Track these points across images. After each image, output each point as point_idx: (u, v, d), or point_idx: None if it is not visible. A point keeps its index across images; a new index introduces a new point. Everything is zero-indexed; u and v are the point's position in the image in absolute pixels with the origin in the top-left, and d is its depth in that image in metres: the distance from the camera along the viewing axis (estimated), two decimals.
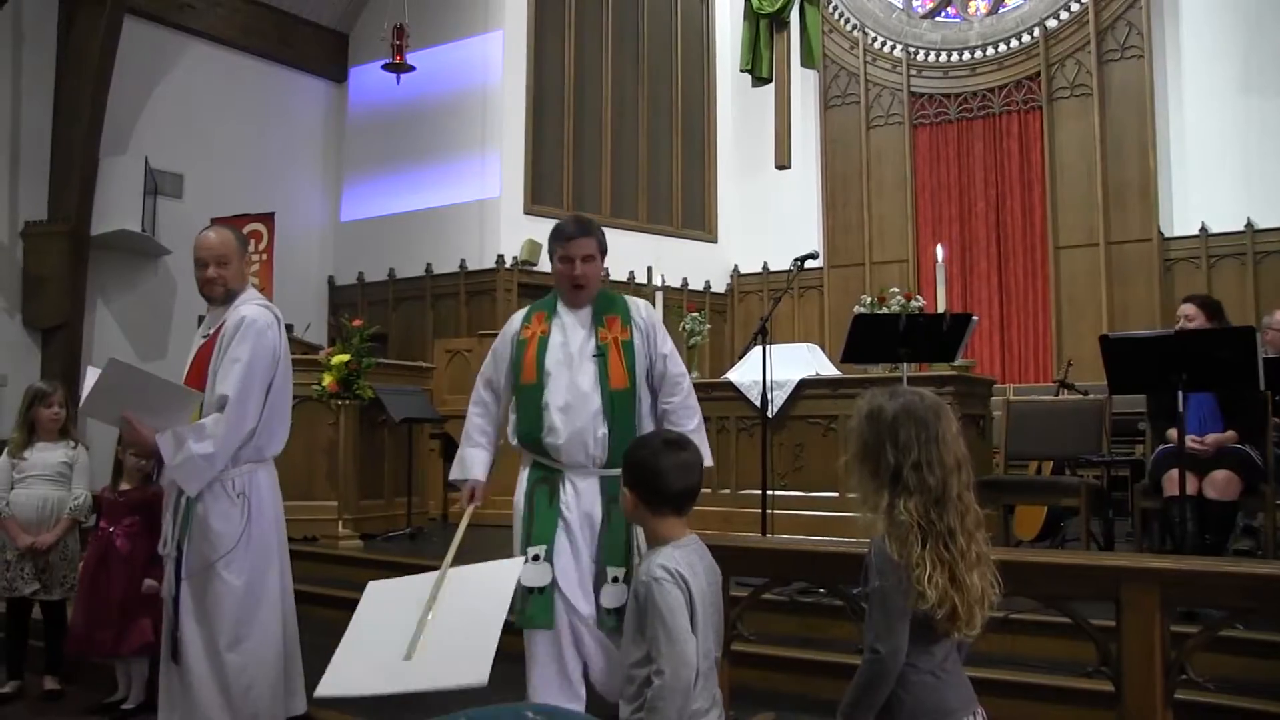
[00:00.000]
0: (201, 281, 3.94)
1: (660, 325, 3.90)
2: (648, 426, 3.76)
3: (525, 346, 3.84)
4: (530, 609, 3.57)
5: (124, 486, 5.01)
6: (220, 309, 3.95)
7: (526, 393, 3.79)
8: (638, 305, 3.92)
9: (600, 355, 3.73)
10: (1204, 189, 11.68)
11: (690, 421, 3.78)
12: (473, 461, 3.93)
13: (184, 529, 3.72)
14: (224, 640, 3.68)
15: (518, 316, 3.99)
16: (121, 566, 4.87)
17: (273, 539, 3.88)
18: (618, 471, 3.17)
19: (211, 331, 3.91)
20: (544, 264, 12.41)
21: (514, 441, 3.86)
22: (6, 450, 5.28)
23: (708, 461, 3.38)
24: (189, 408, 3.72)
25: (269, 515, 3.86)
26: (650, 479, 2.67)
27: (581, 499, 3.67)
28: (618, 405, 3.68)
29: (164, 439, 3.60)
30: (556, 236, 3.83)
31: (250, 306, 3.87)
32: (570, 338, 3.79)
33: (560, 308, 3.87)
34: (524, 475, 3.82)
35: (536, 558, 3.60)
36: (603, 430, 3.65)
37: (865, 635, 2.39)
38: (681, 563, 2.58)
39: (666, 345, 3.87)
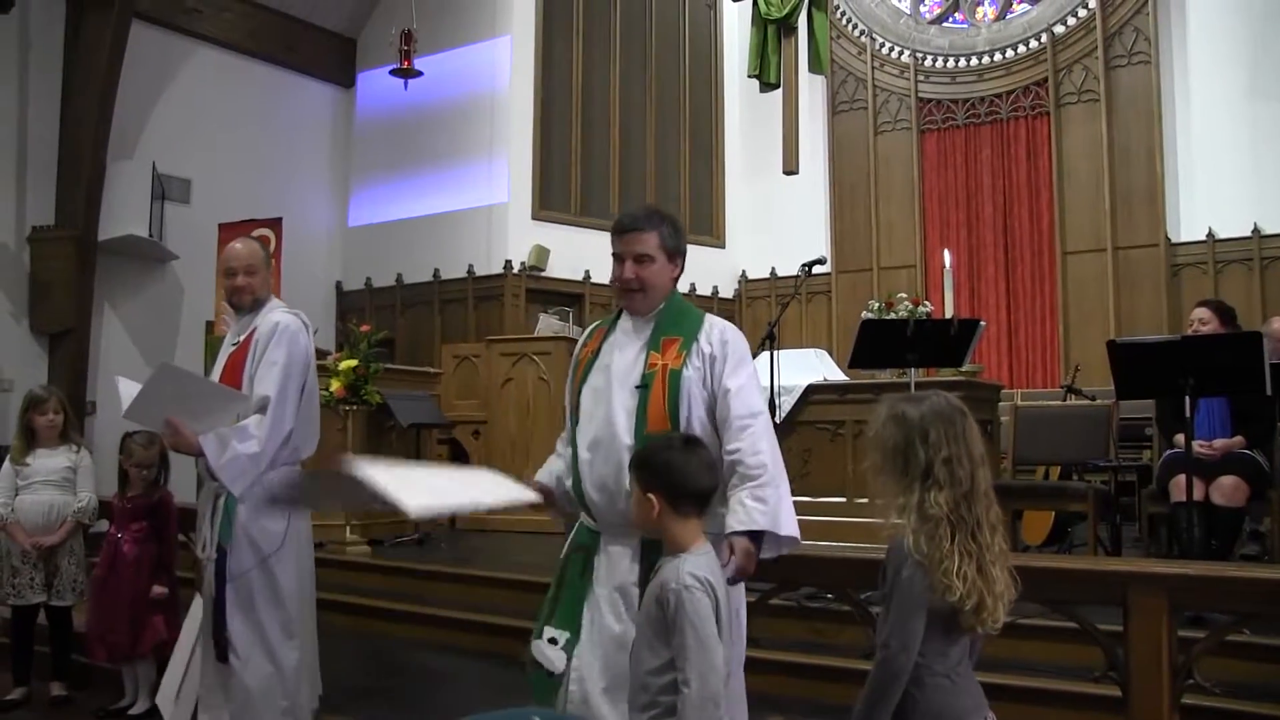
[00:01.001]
0: (230, 290, 4.11)
1: (737, 354, 3.05)
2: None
3: (576, 371, 3.21)
4: (535, 681, 2.96)
5: (132, 491, 5.04)
6: (248, 317, 4.08)
7: (572, 429, 3.14)
8: (712, 327, 3.09)
9: (644, 387, 2.99)
10: (1211, 194, 11.66)
11: (766, 489, 2.86)
12: (543, 470, 3.32)
13: (224, 532, 3.79)
14: (276, 635, 3.79)
15: (586, 331, 3.39)
16: (129, 572, 4.92)
17: (307, 540, 4.01)
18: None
19: (242, 338, 4.02)
20: (552, 269, 12.43)
21: (567, 484, 3.19)
22: (9, 457, 5.29)
23: (792, 531, 2.86)
24: (233, 410, 3.81)
25: (304, 516, 3.99)
26: (676, 477, 2.61)
27: (614, 571, 2.95)
28: None
29: (208, 440, 3.69)
30: (612, 228, 3.20)
31: (281, 313, 4.01)
32: (617, 358, 3.09)
33: (622, 322, 3.18)
34: (570, 534, 3.18)
35: (554, 640, 2.94)
36: (628, 480, 2.86)
37: (879, 632, 2.39)
38: (707, 570, 2.57)
39: (736, 378, 3.00)
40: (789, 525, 2.87)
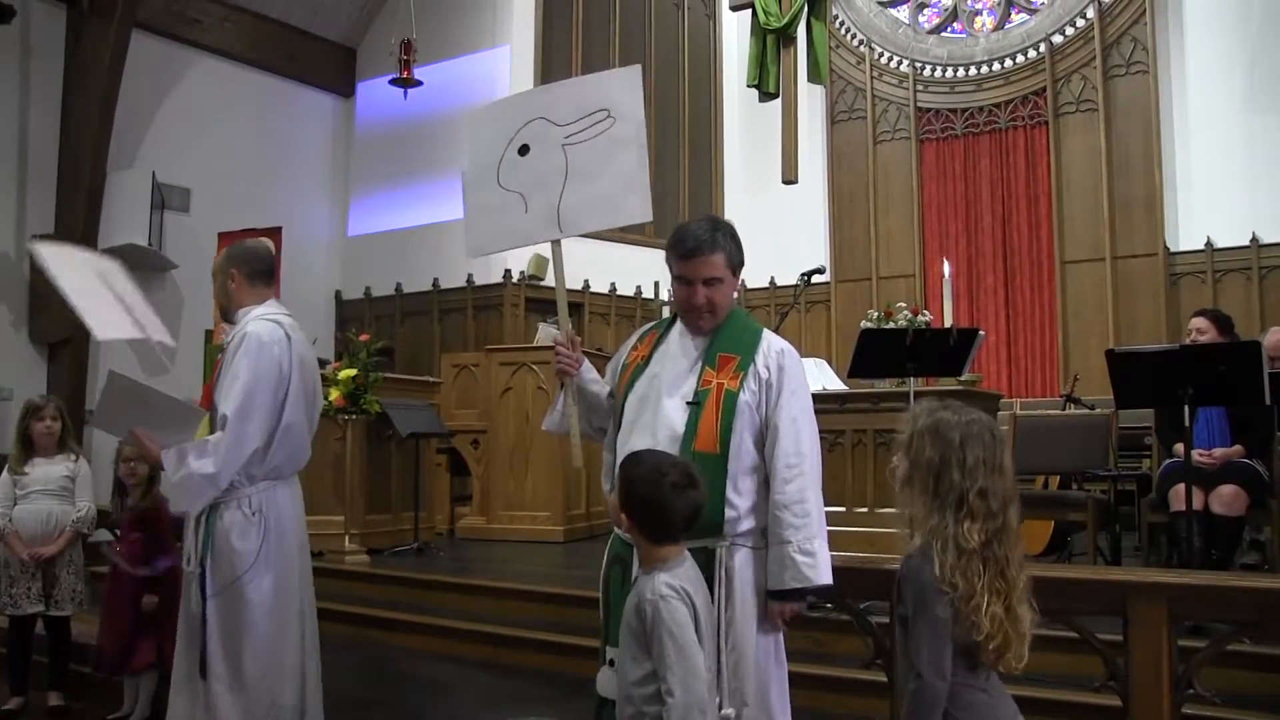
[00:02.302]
0: None
1: (793, 381, 2.96)
2: (750, 517, 2.90)
3: (623, 375, 3.11)
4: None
5: (131, 501, 5.02)
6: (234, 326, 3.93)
7: (614, 434, 3.07)
8: (770, 347, 2.99)
9: (695, 404, 2.89)
10: (1209, 203, 11.68)
11: (814, 542, 2.83)
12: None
13: (206, 546, 3.67)
14: (249, 657, 3.63)
15: (636, 333, 3.27)
16: (126, 583, 4.88)
17: (293, 556, 3.80)
18: (694, 545, 2.76)
19: (226, 348, 3.89)
20: (551, 278, 12.39)
21: (605, 488, 3.13)
22: (7, 466, 5.28)
23: (829, 579, 2.82)
24: (194, 423, 3.69)
25: (289, 532, 3.78)
26: (658, 515, 2.61)
27: None
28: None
29: (168, 454, 3.58)
30: (671, 247, 3.03)
31: (256, 322, 3.79)
32: (668, 368, 2.99)
33: (676, 329, 3.09)
34: (609, 543, 3.07)
35: (612, 662, 2.82)
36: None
37: (899, 660, 2.38)
38: (683, 579, 2.59)
39: (788, 410, 2.91)
40: (827, 574, 2.84)
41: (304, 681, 3.83)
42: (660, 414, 2.92)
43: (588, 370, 3.22)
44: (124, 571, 4.87)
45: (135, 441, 3.67)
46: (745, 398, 2.89)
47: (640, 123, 3.35)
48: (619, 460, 2.92)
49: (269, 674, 3.68)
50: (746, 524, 2.90)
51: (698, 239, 3.00)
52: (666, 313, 8.13)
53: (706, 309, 2.99)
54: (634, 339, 3.21)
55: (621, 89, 3.38)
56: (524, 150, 3.38)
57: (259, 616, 3.65)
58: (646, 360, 3.05)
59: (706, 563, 2.82)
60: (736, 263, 3.05)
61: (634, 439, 2.93)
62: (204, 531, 3.68)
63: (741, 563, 2.88)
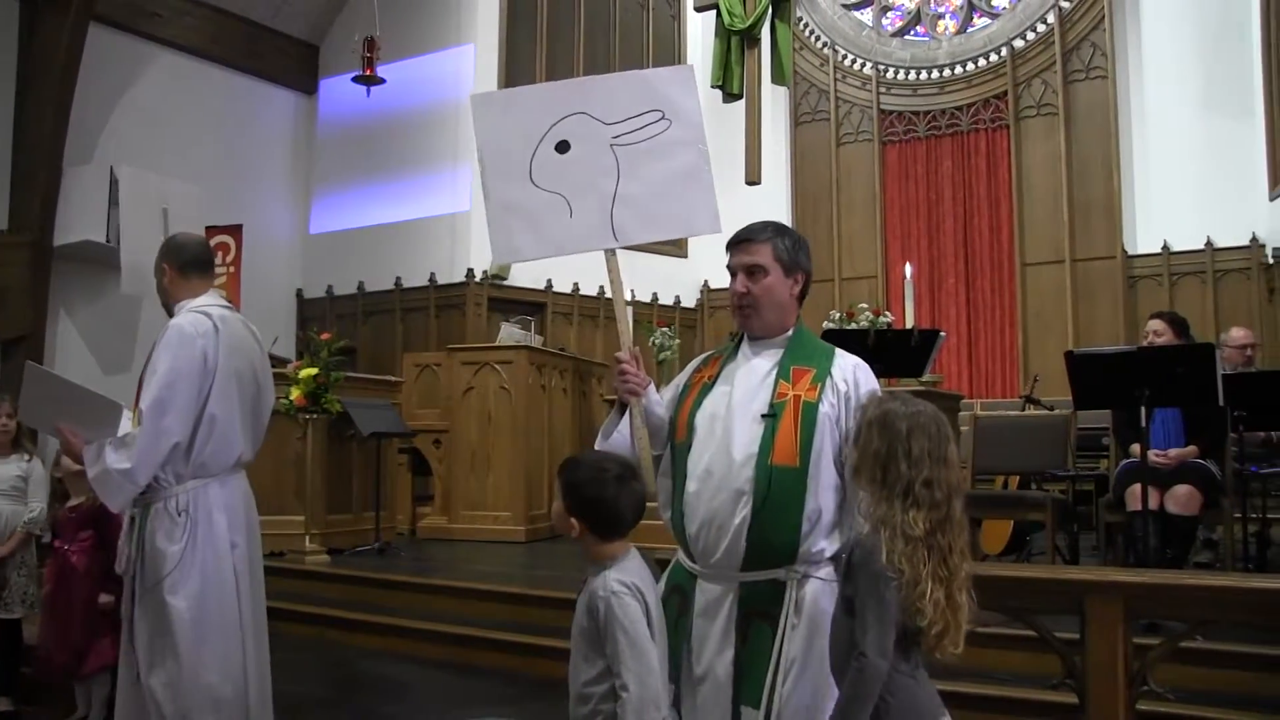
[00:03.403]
0: None
1: (872, 395, 2.77)
2: (826, 539, 2.72)
3: (686, 396, 2.93)
4: None
5: (75, 500, 4.92)
6: None
7: (674, 455, 2.88)
8: (845, 362, 2.86)
9: (771, 416, 2.73)
10: (1166, 208, 11.85)
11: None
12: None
13: (137, 547, 3.56)
14: (170, 663, 3.49)
15: (697, 359, 3.10)
16: (80, 584, 4.77)
17: (225, 559, 3.61)
18: (762, 576, 2.68)
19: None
20: (515, 278, 12.39)
21: (665, 517, 2.92)
22: None
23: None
24: (114, 418, 3.56)
25: (221, 535, 3.60)
26: (606, 512, 2.62)
27: (713, 618, 2.73)
28: (775, 487, 2.66)
29: (89, 450, 3.47)
30: (727, 243, 2.94)
31: (183, 315, 3.67)
32: (739, 384, 2.83)
33: (744, 349, 2.92)
34: (667, 571, 2.90)
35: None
36: (743, 515, 2.67)
37: (832, 636, 2.40)
38: (634, 575, 2.60)
39: None
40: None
41: (248, 682, 3.67)
42: (732, 431, 2.75)
43: (653, 391, 3.00)
44: (74, 572, 4.78)
45: (59, 436, 3.57)
46: (825, 409, 2.74)
47: (700, 126, 3.19)
48: (686, 484, 2.81)
49: (191, 682, 3.51)
50: (820, 545, 2.71)
51: (747, 228, 2.91)
52: (630, 314, 8.12)
53: (747, 301, 2.85)
54: (696, 363, 3.06)
55: (676, 89, 3.23)
56: (562, 147, 3.10)
57: (182, 621, 3.50)
58: (714, 380, 2.90)
59: (774, 595, 2.68)
60: (789, 262, 2.86)
61: (703, 458, 2.77)
62: (135, 532, 3.59)
63: (814, 594, 2.68)
